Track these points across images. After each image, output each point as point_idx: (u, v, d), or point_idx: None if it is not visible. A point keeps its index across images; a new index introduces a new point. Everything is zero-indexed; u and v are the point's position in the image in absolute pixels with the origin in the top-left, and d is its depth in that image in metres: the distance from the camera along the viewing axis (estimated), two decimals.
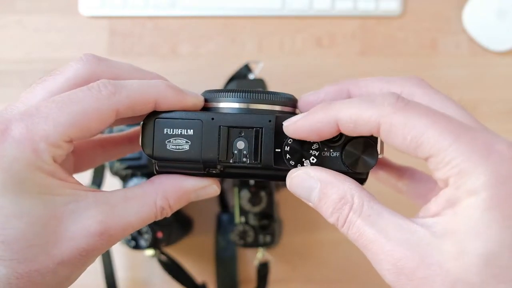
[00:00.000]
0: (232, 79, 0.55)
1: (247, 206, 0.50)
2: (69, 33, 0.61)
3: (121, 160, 0.48)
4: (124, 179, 0.50)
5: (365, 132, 0.24)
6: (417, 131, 0.22)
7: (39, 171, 0.23)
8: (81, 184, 0.25)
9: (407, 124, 0.22)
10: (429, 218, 0.23)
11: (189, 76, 0.61)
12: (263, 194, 0.50)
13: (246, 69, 0.55)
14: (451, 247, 0.21)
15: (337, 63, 0.62)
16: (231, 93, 0.27)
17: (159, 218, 0.27)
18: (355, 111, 0.24)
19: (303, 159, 0.26)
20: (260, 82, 0.51)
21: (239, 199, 0.50)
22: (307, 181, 0.26)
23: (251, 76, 0.54)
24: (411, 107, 0.23)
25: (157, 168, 0.28)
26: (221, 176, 0.28)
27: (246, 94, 0.27)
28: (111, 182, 0.53)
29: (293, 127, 0.25)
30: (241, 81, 0.53)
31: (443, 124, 0.22)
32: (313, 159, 0.26)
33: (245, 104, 0.27)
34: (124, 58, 0.60)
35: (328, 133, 0.25)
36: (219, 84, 0.56)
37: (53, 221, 0.23)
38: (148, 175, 0.49)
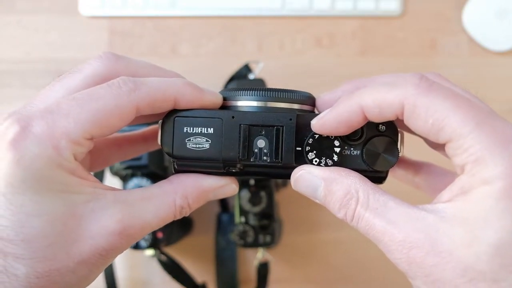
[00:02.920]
0: (232, 79, 0.55)
1: (247, 206, 0.50)
2: (69, 33, 0.61)
3: None
4: (124, 179, 0.50)
5: (391, 116, 0.24)
6: (440, 114, 0.22)
7: (59, 168, 0.23)
8: (100, 183, 0.25)
9: (430, 106, 0.22)
10: (439, 203, 0.23)
11: (189, 76, 0.61)
12: (263, 194, 0.50)
13: (246, 69, 0.55)
14: (462, 235, 0.21)
15: (337, 63, 0.62)
16: (250, 92, 0.27)
17: (178, 217, 0.27)
18: (379, 95, 0.24)
19: (324, 158, 0.26)
20: (260, 82, 0.51)
21: (239, 199, 0.50)
22: (310, 180, 0.26)
23: (251, 76, 0.54)
24: (434, 89, 0.23)
25: (175, 167, 0.27)
26: (240, 175, 0.28)
27: (266, 92, 0.27)
28: (111, 182, 0.53)
29: (321, 122, 0.25)
30: (241, 81, 0.53)
31: (465, 109, 0.22)
32: (334, 158, 0.26)
33: (264, 102, 0.27)
34: None
35: (356, 123, 0.25)
36: (219, 84, 0.56)
37: (73, 220, 0.23)
38: (148, 175, 0.49)
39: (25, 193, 0.22)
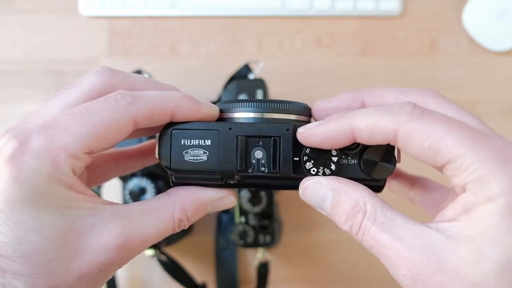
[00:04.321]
0: (232, 79, 0.55)
1: (247, 206, 0.50)
2: (69, 33, 0.61)
3: None
4: (124, 179, 0.50)
5: (382, 141, 0.24)
6: (435, 137, 0.22)
7: (58, 183, 0.22)
8: (99, 197, 0.25)
9: (424, 131, 0.22)
10: (444, 223, 0.23)
11: (189, 76, 0.61)
12: (263, 194, 0.50)
13: (246, 69, 0.55)
14: (468, 252, 0.21)
15: (337, 63, 0.62)
16: (247, 103, 0.27)
17: (177, 230, 0.27)
18: (371, 120, 0.24)
19: (322, 167, 0.26)
20: (260, 82, 0.51)
21: (239, 199, 0.50)
22: (319, 190, 0.26)
23: (251, 76, 0.54)
24: (427, 115, 0.23)
25: (173, 179, 0.27)
26: (238, 186, 0.28)
27: (262, 104, 0.27)
28: (111, 182, 0.53)
29: (307, 133, 0.25)
30: (241, 81, 0.53)
31: (460, 130, 0.22)
32: (331, 167, 0.26)
33: (261, 114, 0.27)
34: (124, 58, 0.60)
35: (342, 142, 0.25)
36: (219, 84, 0.56)
37: (72, 235, 0.23)
38: (148, 175, 0.49)
39: (24, 209, 0.21)
